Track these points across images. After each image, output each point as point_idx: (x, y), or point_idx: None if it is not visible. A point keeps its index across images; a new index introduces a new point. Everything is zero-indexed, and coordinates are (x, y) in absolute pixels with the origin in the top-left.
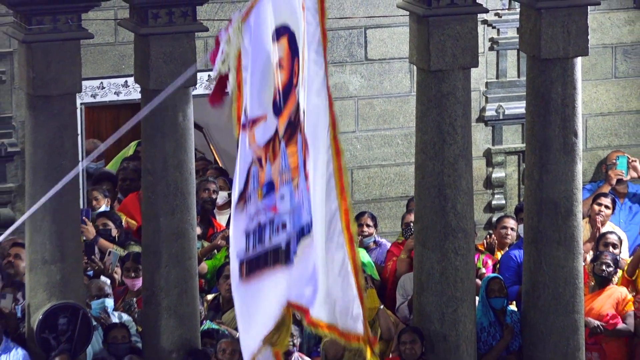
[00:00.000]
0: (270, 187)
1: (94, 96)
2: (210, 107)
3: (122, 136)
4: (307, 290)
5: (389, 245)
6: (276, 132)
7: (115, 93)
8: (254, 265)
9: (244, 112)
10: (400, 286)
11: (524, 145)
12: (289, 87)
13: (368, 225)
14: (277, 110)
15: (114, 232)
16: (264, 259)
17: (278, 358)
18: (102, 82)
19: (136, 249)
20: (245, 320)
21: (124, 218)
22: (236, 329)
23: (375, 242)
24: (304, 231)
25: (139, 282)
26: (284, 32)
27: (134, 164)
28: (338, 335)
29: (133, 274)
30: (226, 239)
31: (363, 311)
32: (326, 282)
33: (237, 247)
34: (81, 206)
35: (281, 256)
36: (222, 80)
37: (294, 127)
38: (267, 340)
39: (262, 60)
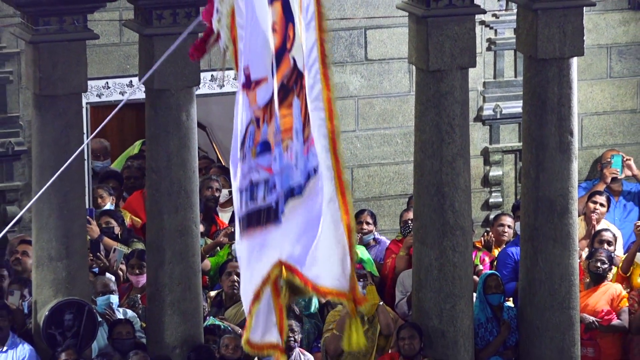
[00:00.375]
0: (265, 146)
1: (99, 96)
2: (216, 107)
3: (127, 135)
4: (297, 250)
5: (388, 242)
6: (273, 93)
7: (120, 93)
8: (246, 223)
9: (243, 71)
10: (400, 283)
11: (521, 144)
12: (282, 51)
13: (368, 223)
14: (273, 73)
15: (117, 230)
16: (257, 218)
17: (280, 311)
18: (107, 82)
19: (139, 246)
20: (244, 276)
21: (128, 216)
22: (239, 325)
23: (374, 239)
24: (293, 192)
25: (143, 279)
26: None
27: (138, 162)
28: (328, 295)
29: (137, 271)
30: (229, 236)
31: (351, 270)
32: (321, 243)
33: (235, 204)
34: (87, 204)
35: (272, 215)
36: (207, 35)
37: (287, 90)
38: (256, 297)
39: (260, 21)
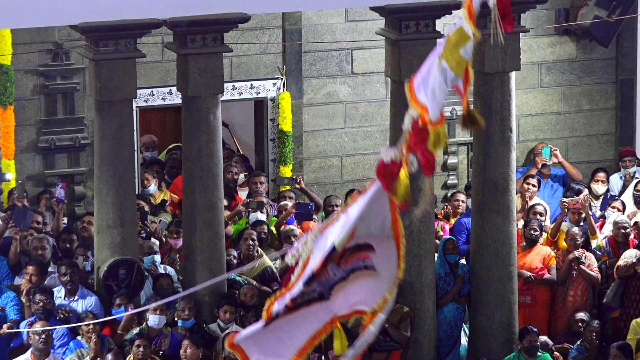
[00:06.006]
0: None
1: (146, 101)
2: (236, 110)
3: (168, 131)
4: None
5: None
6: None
7: (162, 99)
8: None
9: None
10: None
11: (472, 138)
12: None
13: None
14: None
15: (147, 208)
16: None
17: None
18: (152, 91)
19: (166, 216)
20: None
21: (167, 194)
22: (254, 279)
23: None
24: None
25: (179, 242)
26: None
27: (178, 153)
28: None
29: (175, 235)
30: (245, 205)
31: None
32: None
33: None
34: (136, 185)
35: (317, 297)
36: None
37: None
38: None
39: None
